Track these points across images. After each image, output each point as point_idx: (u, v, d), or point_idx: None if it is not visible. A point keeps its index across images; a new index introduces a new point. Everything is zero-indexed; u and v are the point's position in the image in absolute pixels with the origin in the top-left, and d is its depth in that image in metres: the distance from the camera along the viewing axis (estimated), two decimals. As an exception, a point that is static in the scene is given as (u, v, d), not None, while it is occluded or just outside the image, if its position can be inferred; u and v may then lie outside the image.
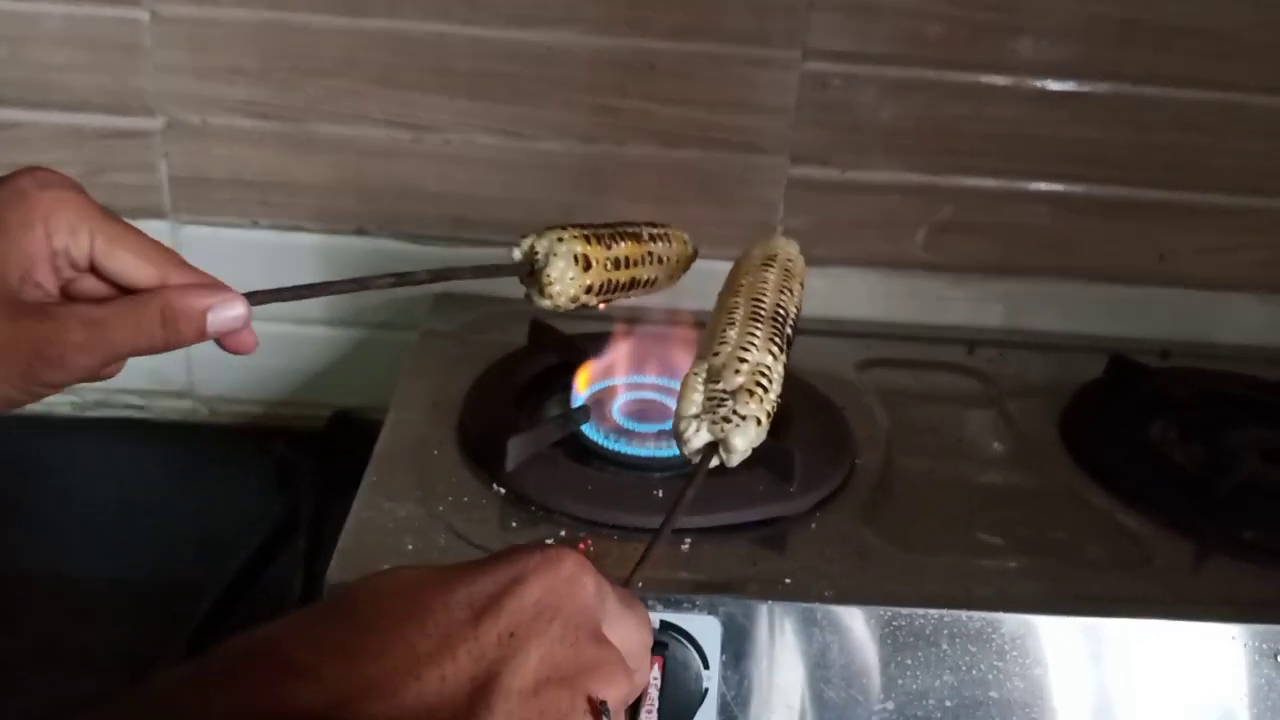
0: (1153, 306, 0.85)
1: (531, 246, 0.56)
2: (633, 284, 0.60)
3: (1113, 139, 0.80)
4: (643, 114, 0.78)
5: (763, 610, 0.49)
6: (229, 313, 0.46)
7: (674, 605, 0.49)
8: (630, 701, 0.33)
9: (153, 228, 0.78)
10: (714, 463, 0.47)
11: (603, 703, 0.30)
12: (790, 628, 0.49)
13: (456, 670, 0.28)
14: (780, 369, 0.50)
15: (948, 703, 0.50)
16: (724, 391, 0.48)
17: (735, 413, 0.47)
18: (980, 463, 0.66)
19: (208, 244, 0.81)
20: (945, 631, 0.50)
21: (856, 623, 0.50)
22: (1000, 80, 0.78)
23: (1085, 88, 0.79)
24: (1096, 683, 0.51)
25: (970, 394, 0.75)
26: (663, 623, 0.49)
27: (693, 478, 0.45)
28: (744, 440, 0.46)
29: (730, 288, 0.55)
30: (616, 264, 0.58)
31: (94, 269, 0.45)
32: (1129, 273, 0.84)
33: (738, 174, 0.80)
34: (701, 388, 0.48)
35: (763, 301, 0.53)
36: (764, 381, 0.48)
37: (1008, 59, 0.78)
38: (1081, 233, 0.83)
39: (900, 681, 0.50)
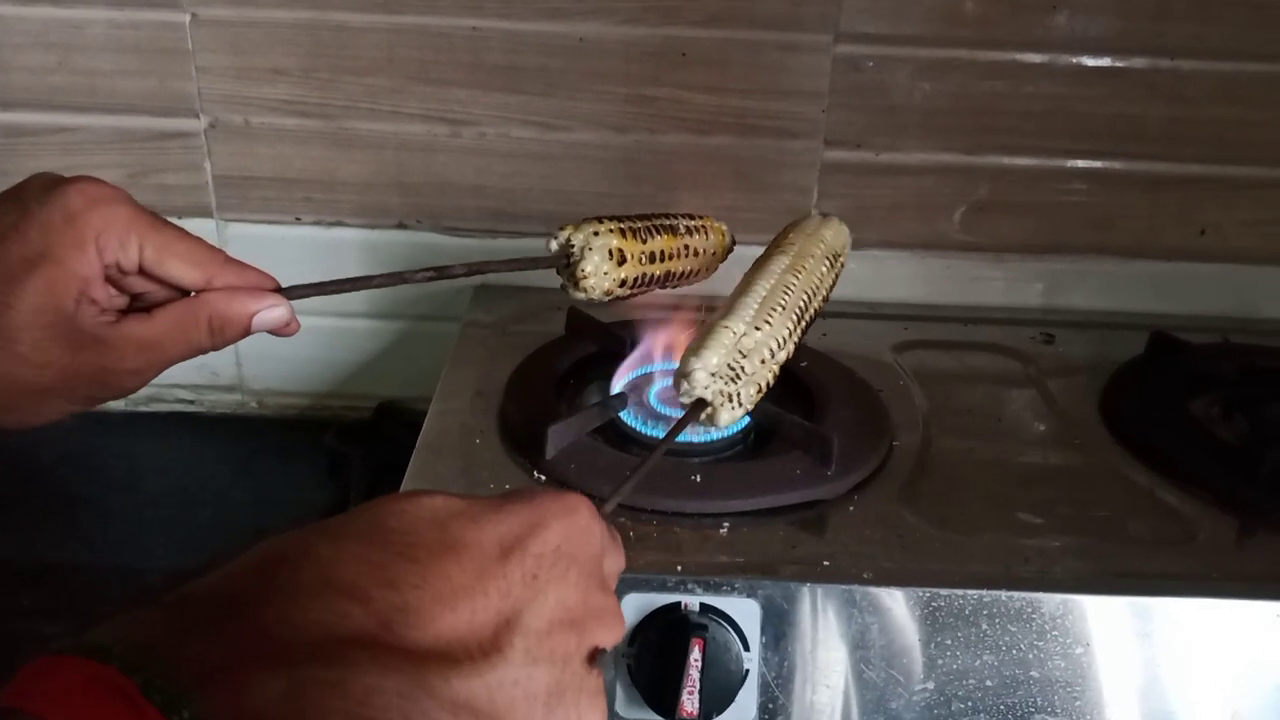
0: (1194, 282, 0.84)
1: (568, 239, 0.56)
2: (667, 277, 0.60)
3: (1151, 114, 0.79)
4: (676, 102, 0.78)
5: (803, 592, 0.50)
6: (272, 315, 0.49)
7: (714, 588, 0.50)
8: (618, 642, 0.35)
9: (199, 226, 0.81)
10: (692, 420, 0.50)
11: (601, 650, 0.33)
12: (830, 609, 0.50)
13: (486, 606, 0.31)
14: (784, 359, 0.54)
15: (988, 682, 0.50)
16: (743, 370, 0.51)
17: (739, 396, 0.50)
18: (1020, 442, 0.66)
19: (252, 241, 0.82)
20: (985, 612, 0.50)
21: (896, 604, 0.50)
22: (1036, 58, 0.78)
23: (1123, 63, 0.78)
24: (1139, 661, 0.51)
25: (1010, 374, 0.75)
26: (703, 605, 0.49)
27: (676, 429, 0.50)
28: (728, 420, 0.51)
29: (795, 261, 0.57)
30: (651, 258, 0.58)
31: (142, 273, 0.47)
32: (1170, 249, 0.83)
33: (772, 159, 0.80)
34: (730, 349, 0.51)
35: (811, 301, 0.56)
36: (770, 381, 0.53)
37: (1043, 36, 0.77)
38: (1121, 209, 0.82)
39: (940, 662, 0.50)
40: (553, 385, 0.66)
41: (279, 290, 0.50)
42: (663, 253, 0.59)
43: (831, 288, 0.60)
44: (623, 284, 0.57)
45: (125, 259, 0.46)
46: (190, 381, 0.87)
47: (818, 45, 0.77)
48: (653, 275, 0.59)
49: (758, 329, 0.52)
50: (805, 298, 0.56)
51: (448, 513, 0.32)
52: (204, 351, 0.48)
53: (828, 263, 0.59)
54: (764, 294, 0.54)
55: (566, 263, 0.56)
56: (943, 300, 0.85)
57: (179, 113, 0.79)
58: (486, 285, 0.83)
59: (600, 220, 0.57)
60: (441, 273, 0.54)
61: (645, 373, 0.67)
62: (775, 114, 0.79)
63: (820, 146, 0.80)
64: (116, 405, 0.88)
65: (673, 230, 0.60)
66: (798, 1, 0.76)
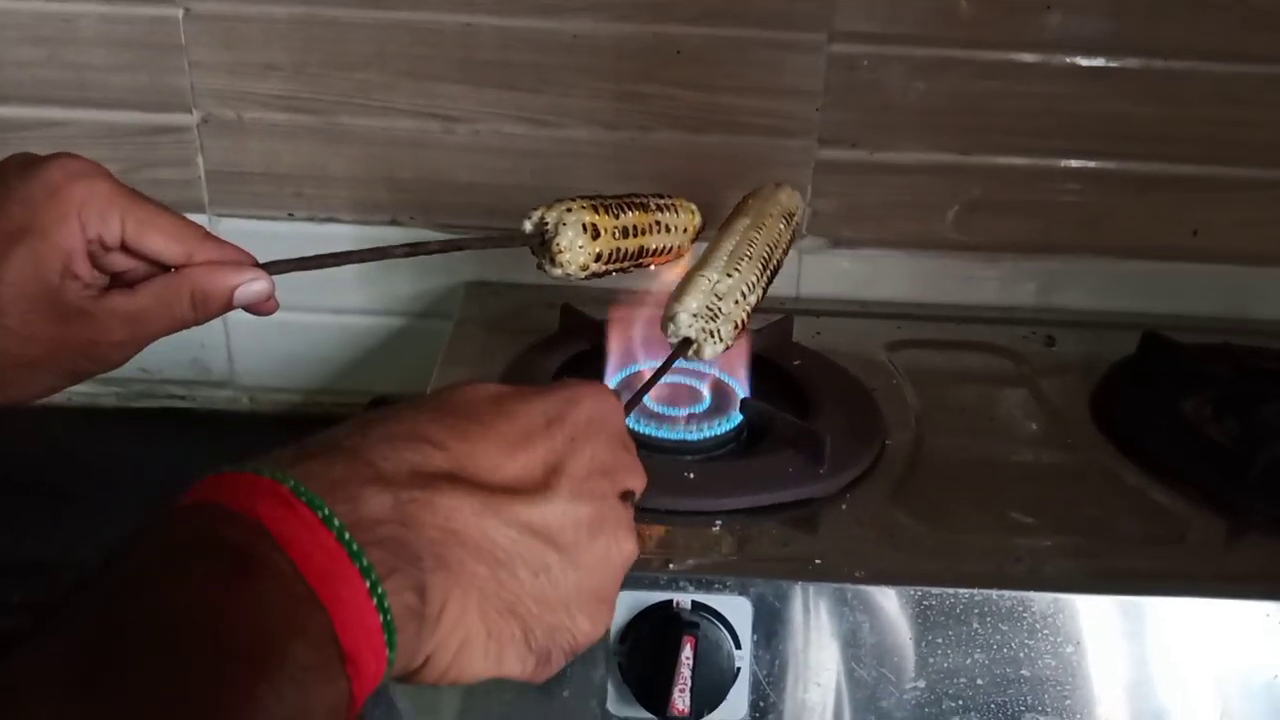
0: (1186, 282, 0.84)
1: (541, 217, 0.58)
2: (641, 252, 0.62)
3: (1145, 114, 0.79)
4: (669, 100, 0.78)
5: (794, 590, 0.50)
6: (253, 288, 0.50)
7: (705, 586, 0.50)
8: (643, 489, 0.42)
9: (191, 222, 0.81)
10: (678, 354, 0.56)
11: (631, 491, 0.41)
12: (822, 608, 0.50)
13: (535, 456, 0.38)
14: (757, 297, 0.61)
15: (979, 681, 0.51)
16: (720, 310, 0.57)
17: (719, 331, 0.57)
18: (1012, 441, 0.66)
19: (244, 236, 0.80)
20: (976, 610, 0.50)
21: (887, 602, 0.50)
22: (1030, 58, 0.78)
23: (1116, 63, 0.78)
24: (1129, 660, 0.51)
25: (1002, 373, 0.75)
26: (694, 603, 0.49)
27: (667, 363, 0.56)
28: (711, 354, 0.57)
29: (755, 220, 0.64)
30: (625, 232, 0.60)
31: (124, 248, 0.48)
32: (1162, 249, 0.84)
33: (766, 158, 0.80)
34: (708, 293, 0.57)
35: (773, 252, 0.63)
36: (745, 319, 0.59)
37: (1037, 36, 0.77)
38: (1114, 209, 0.83)
39: (931, 660, 0.50)
40: (545, 383, 0.66)
41: (259, 266, 0.50)
42: (635, 227, 0.61)
43: (790, 243, 0.67)
44: (598, 258, 0.59)
45: (107, 233, 0.47)
46: (182, 377, 0.87)
47: (812, 44, 0.77)
48: (627, 250, 0.61)
49: (729, 275, 0.59)
50: (768, 249, 0.63)
51: (500, 393, 0.39)
52: (188, 325, 0.49)
53: (784, 221, 0.66)
54: (731, 247, 0.61)
55: (542, 240, 0.58)
56: (936, 299, 0.85)
57: (171, 108, 0.79)
58: (480, 282, 0.83)
59: (573, 199, 0.59)
60: (418, 248, 0.56)
61: (637, 370, 0.66)
62: (769, 112, 0.79)
63: (814, 145, 0.80)
64: (107, 400, 0.87)
65: (643, 207, 0.63)
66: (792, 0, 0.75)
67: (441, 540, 0.33)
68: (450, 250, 0.57)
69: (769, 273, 0.63)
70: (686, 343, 0.56)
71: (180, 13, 0.76)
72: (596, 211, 0.59)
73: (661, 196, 0.65)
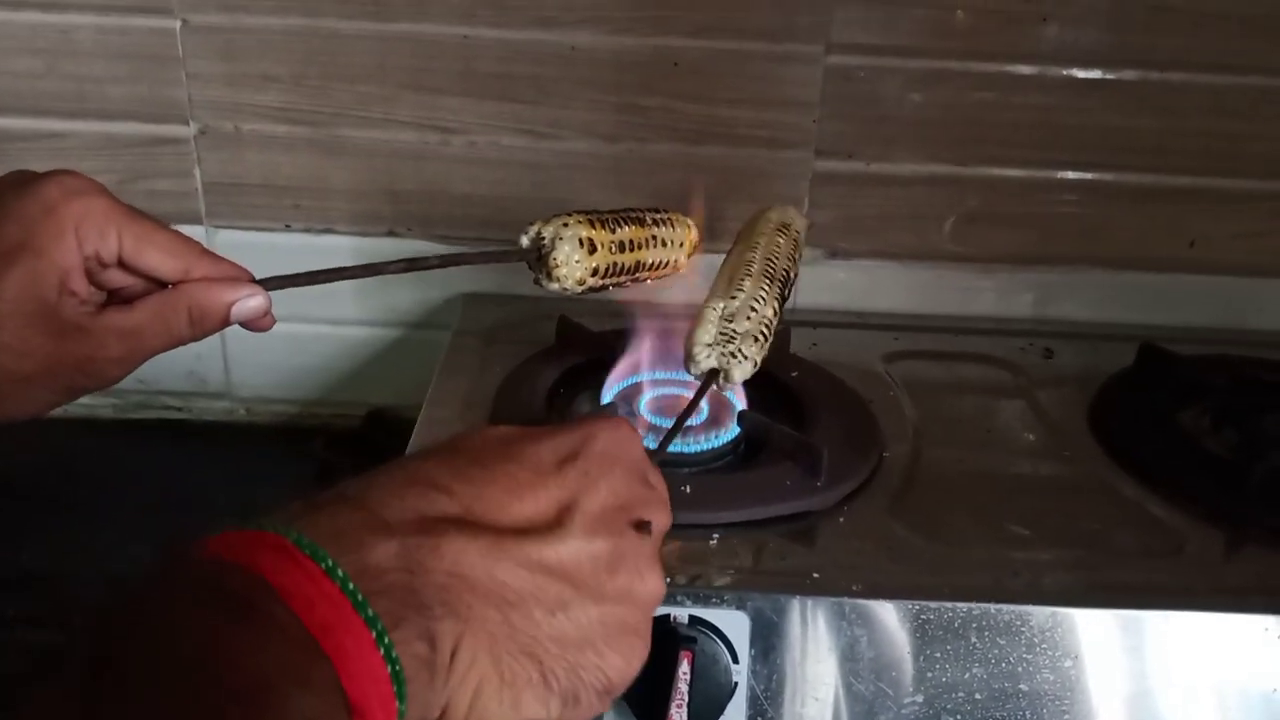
0: (1183, 293, 0.84)
1: (539, 232, 0.58)
2: (638, 267, 0.63)
3: (1142, 126, 0.80)
4: (667, 112, 0.78)
5: (792, 605, 0.50)
6: (250, 304, 0.50)
7: (703, 600, 0.50)
8: (666, 530, 0.41)
9: (188, 233, 0.80)
10: (713, 386, 0.56)
11: (647, 522, 0.39)
12: (819, 622, 0.50)
13: (547, 496, 0.37)
14: (776, 324, 0.60)
15: (977, 695, 0.50)
16: (735, 331, 0.57)
17: (740, 351, 0.56)
18: (1009, 454, 0.66)
19: (242, 248, 0.81)
20: (974, 624, 0.50)
21: (885, 616, 0.50)
22: (1026, 69, 0.78)
23: (1113, 75, 0.78)
24: (1127, 674, 0.51)
25: (999, 384, 0.75)
26: (691, 618, 0.49)
27: (699, 394, 0.55)
28: (741, 375, 0.56)
29: (748, 243, 0.64)
30: (621, 247, 0.61)
31: (121, 264, 0.48)
32: (1159, 260, 0.84)
33: (763, 169, 0.80)
34: (717, 321, 0.57)
35: (775, 263, 0.62)
36: (766, 331, 0.58)
37: (1034, 48, 0.77)
38: (1111, 221, 0.83)
39: (930, 675, 0.50)
40: (543, 395, 0.66)
41: (255, 282, 0.51)
42: (632, 242, 0.61)
43: (797, 249, 0.66)
44: (595, 273, 0.59)
45: (104, 249, 0.47)
46: (179, 389, 0.87)
47: (809, 55, 0.77)
48: (624, 265, 0.61)
49: (733, 297, 0.59)
50: (767, 261, 0.62)
51: (511, 435, 0.39)
52: (185, 342, 0.50)
53: (780, 232, 0.65)
54: (730, 273, 0.61)
55: (539, 255, 0.57)
56: (933, 310, 0.85)
57: (169, 119, 0.79)
58: (478, 294, 0.83)
59: (569, 214, 0.59)
60: (414, 264, 0.56)
61: (634, 382, 0.66)
62: (766, 124, 0.79)
63: (811, 156, 0.80)
64: (105, 411, 0.87)
65: (640, 221, 0.63)
66: (789, 12, 0.76)
67: (449, 586, 0.33)
68: (448, 266, 0.57)
69: (777, 282, 0.62)
70: (714, 373, 0.56)
71: (178, 24, 0.76)
72: (593, 225, 0.59)
73: (658, 211, 0.65)
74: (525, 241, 0.58)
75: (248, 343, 0.86)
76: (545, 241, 0.58)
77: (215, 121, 0.79)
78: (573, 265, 0.58)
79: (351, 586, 0.30)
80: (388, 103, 0.78)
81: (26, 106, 0.78)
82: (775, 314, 0.60)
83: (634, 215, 0.63)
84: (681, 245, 0.66)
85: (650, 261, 0.63)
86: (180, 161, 0.80)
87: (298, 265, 0.81)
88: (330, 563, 0.30)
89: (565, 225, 0.58)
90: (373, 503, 0.33)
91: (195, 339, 0.50)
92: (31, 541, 0.74)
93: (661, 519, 0.40)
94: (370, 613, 0.30)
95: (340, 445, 0.80)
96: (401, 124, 0.79)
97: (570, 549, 0.36)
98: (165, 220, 0.81)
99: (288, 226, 0.82)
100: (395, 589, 0.31)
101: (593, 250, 0.58)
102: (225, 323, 0.50)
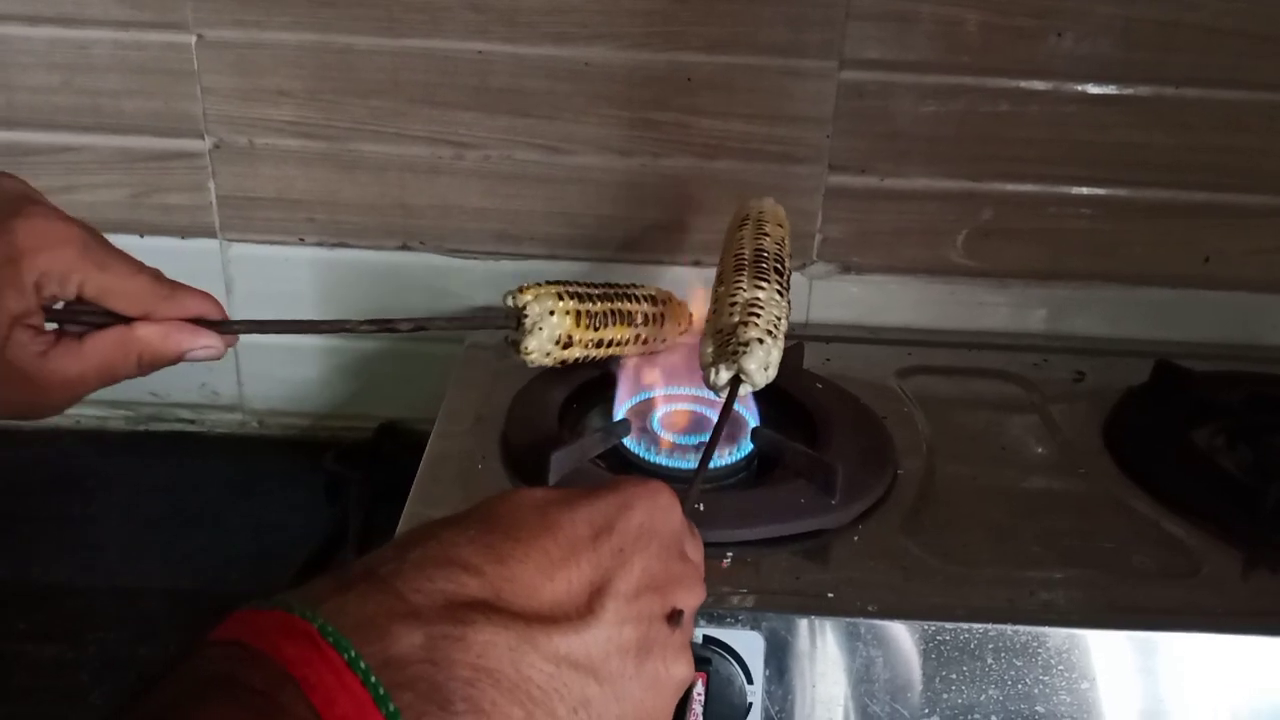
0: (1198, 310, 0.84)
1: (524, 307, 0.59)
2: (609, 357, 0.65)
3: (1155, 142, 0.79)
4: (680, 127, 0.78)
5: (806, 625, 0.50)
6: (203, 354, 0.50)
7: (717, 620, 0.49)
8: (698, 608, 0.40)
9: (202, 246, 0.82)
10: (744, 391, 0.55)
11: (679, 612, 0.38)
12: (833, 642, 0.50)
13: (579, 575, 0.36)
14: (774, 296, 0.59)
15: (993, 717, 0.50)
16: (734, 334, 0.55)
17: (739, 343, 0.55)
18: (1023, 470, 0.66)
19: (255, 261, 0.82)
20: (990, 645, 0.50)
21: (900, 637, 0.50)
22: (1039, 85, 0.78)
23: (1126, 90, 0.78)
24: (1144, 696, 0.51)
25: (1013, 400, 0.74)
26: (705, 638, 0.49)
27: (725, 410, 0.53)
28: (754, 362, 0.54)
29: (724, 253, 0.64)
30: (598, 344, 0.62)
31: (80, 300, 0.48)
32: (1173, 276, 0.83)
33: (776, 184, 0.80)
34: (713, 339, 0.57)
35: (742, 253, 0.62)
36: (756, 310, 0.57)
37: (1047, 63, 0.77)
38: (1125, 236, 0.82)
39: (945, 696, 0.50)
40: (555, 410, 0.66)
41: (221, 322, 0.50)
42: (612, 340, 0.63)
43: (781, 228, 0.66)
44: (562, 363, 0.61)
45: (64, 294, 0.47)
46: (191, 401, 0.87)
47: (822, 71, 0.77)
48: (595, 356, 0.63)
49: (730, 307, 0.58)
50: (747, 255, 0.61)
51: (546, 501, 0.38)
52: (128, 378, 0.49)
53: (752, 224, 0.65)
54: (721, 288, 0.61)
55: (516, 324, 0.58)
56: (946, 325, 0.84)
57: (183, 133, 0.79)
58: (489, 307, 0.83)
59: (561, 295, 0.60)
60: (385, 325, 0.54)
61: (647, 398, 0.66)
62: (780, 139, 0.79)
63: (824, 171, 0.80)
64: (116, 423, 0.88)
65: (629, 319, 0.64)
66: (802, 28, 0.76)
67: (474, 680, 0.32)
68: (418, 330, 0.55)
69: (770, 270, 0.61)
70: (736, 381, 0.55)
71: (193, 39, 0.77)
72: (578, 321, 0.60)
73: (655, 301, 0.66)
74: (510, 303, 0.59)
75: (260, 356, 0.87)
76: (525, 320, 0.59)
77: (229, 136, 0.79)
78: (542, 355, 0.59)
79: (374, 680, 0.30)
80: (401, 117, 0.78)
81: (42, 121, 0.79)
82: (763, 288, 0.59)
83: (626, 311, 0.63)
84: (663, 341, 0.67)
85: (623, 353, 0.65)
86: (194, 175, 0.80)
87: (311, 278, 0.83)
88: (354, 653, 0.30)
89: (551, 313, 0.59)
90: (401, 585, 0.33)
91: (141, 375, 0.49)
92: (41, 554, 0.74)
93: (694, 599, 0.40)
94: (392, 708, 0.30)
95: (352, 458, 0.80)
96: (415, 138, 0.79)
97: (599, 640, 0.35)
98: (179, 234, 0.82)
99: (301, 240, 0.82)
100: (419, 682, 0.31)
101: (567, 345, 0.60)
102: (177, 362, 0.50)
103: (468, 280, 0.83)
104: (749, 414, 0.64)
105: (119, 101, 0.78)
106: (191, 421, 0.88)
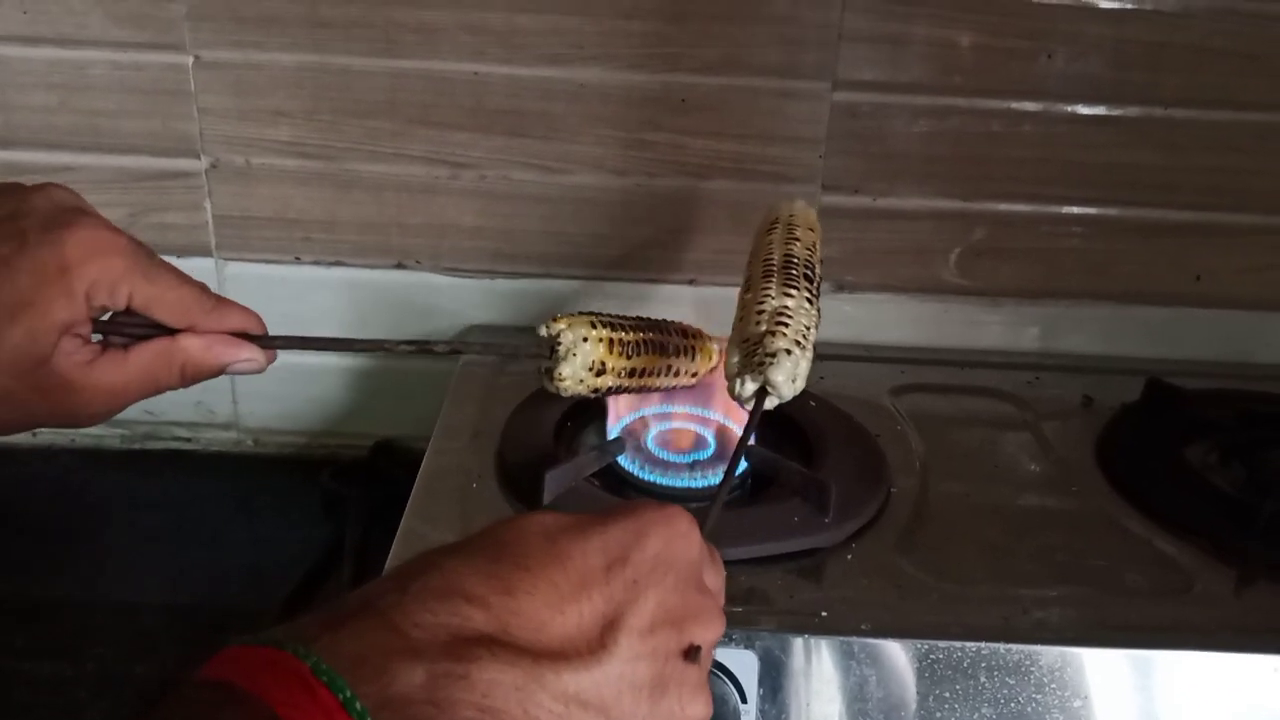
0: (1189, 328, 0.84)
1: (558, 335, 0.57)
2: (642, 388, 0.63)
3: (1146, 161, 0.80)
4: (675, 147, 0.79)
5: (800, 644, 0.50)
6: (244, 366, 0.50)
7: (712, 639, 0.49)
8: (717, 642, 0.38)
9: (198, 265, 0.82)
10: (770, 404, 0.52)
11: (697, 648, 0.36)
12: (827, 661, 0.50)
13: (591, 609, 0.34)
14: (803, 304, 0.57)
15: (987, 735, 0.50)
16: (759, 344, 0.53)
17: (766, 354, 0.52)
18: (1017, 488, 0.66)
19: (251, 280, 0.83)
20: (983, 664, 0.50)
21: (894, 656, 0.50)
22: (1031, 105, 0.79)
23: (1117, 111, 0.79)
24: (1138, 714, 0.51)
25: (1006, 418, 0.75)
26: (701, 656, 0.49)
27: (750, 423, 0.51)
28: (782, 374, 0.52)
29: (750, 259, 0.62)
30: (631, 373, 0.60)
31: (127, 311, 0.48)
32: (1165, 294, 0.84)
33: (770, 204, 0.80)
34: (739, 348, 0.54)
35: (771, 259, 0.60)
36: (785, 319, 0.55)
37: (1038, 84, 0.78)
38: (1116, 255, 0.83)
39: (939, 714, 0.50)
40: (551, 428, 0.66)
41: (263, 336, 0.51)
42: (644, 370, 0.61)
43: (812, 233, 0.64)
44: (595, 391, 0.59)
45: (113, 304, 0.47)
46: (186, 419, 0.87)
47: (816, 92, 0.78)
48: (627, 386, 0.61)
49: (757, 315, 0.56)
50: (775, 262, 0.60)
51: (557, 528, 0.36)
52: (170, 390, 0.49)
53: (783, 228, 0.64)
54: (749, 296, 0.59)
55: (550, 353, 0.57)
56: (939, 344, 0.85)
57: (180, 153, 0.80)
58: (485, 325, 0.84)
59: (595, 324, 0.58)
60: (422, 347, 0.55)
61: (641, 416, 0.67)
62: (773, 159, 0.79)
63: (818, 191, 0.81)
64: (112, 442, 0.88)
65: (662, 349, 0.62)
66: (796, 49, 0.76)
67: None
68: (454, 354, 0.56)
69: (799, 277, 0.59)
70: (762, 393, 0.53)
71: (190, 60, 0.77)
72: (611, 349, 0.58)
73: (687, 334, 0.65)
74: (544, 333, 0.58)
75: (256, 374, 0.87)
76: (560, 348, 0.57)
77: (226, 155, 0.80)
78: (576, 383, 0.57)
79: None
80: (398, 137, 0.79)
81: (40, 140, 0.79)
82: (792, 296, 0.57)
83: (658, 342, 0.62)
84: (693, 375, 0.65)
85: (657, 385, 0.63)
86: (191, 195, 0.81)
87: (308, 297, 0.83)
88: (349, 694, 0.28)
89: (585, 340, 0.57)
90: (401, 619, 0.31)
91: (185, 386, 0.49)
92: (39, 572, 0.74)
93: (713, 634, 0.38)
94: None
95: (348, 476, 0.80)
96: (411, 158, 0.80)
97: (610, 678, 0.33)
98: (176, 253, 0.82)
99: (297, 259, 0.83)
100: None
101: (601, 373, 0.58)
102: (216, 376, 0.50)
103: (463, 299, 0.83)
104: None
105: (116, 121, 0.79)
106: (188, 440, 0.88)
